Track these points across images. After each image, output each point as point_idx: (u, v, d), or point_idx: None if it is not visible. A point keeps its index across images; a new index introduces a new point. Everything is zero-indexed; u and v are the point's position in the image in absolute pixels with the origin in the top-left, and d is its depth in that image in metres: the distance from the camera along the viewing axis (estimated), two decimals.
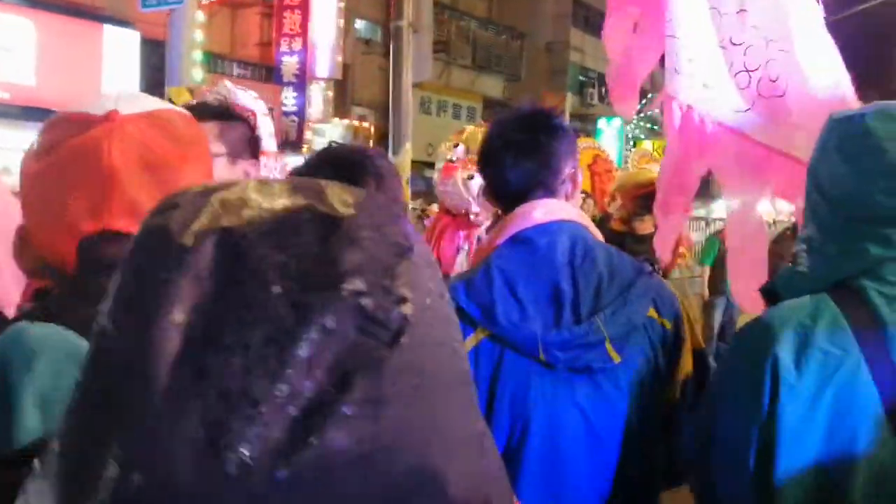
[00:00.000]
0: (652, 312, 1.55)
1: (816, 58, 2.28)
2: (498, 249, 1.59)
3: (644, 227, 6.86)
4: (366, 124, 20.96)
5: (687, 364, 1.60)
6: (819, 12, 2.36)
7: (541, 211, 1.60)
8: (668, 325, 1.57)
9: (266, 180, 0.55)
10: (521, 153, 1.64)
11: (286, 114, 18.20)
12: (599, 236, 1.67)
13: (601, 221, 8.21)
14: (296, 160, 15.11)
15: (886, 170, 1.25)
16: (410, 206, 6.95)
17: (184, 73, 7.36)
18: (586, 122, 28.98)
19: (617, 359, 1.48)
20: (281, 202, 0.52)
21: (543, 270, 1.52)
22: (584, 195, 9.42)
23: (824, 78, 2.26)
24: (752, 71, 2.34)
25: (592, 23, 29.89)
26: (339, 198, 0.55)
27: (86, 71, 14.36)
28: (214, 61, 17.42)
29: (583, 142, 12.25)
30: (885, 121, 1.28)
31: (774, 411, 1.20)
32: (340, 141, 20.28)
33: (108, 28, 14.77)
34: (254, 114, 3.10)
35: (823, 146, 1.36)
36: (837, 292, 1.26)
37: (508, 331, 1.48)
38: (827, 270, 1.30)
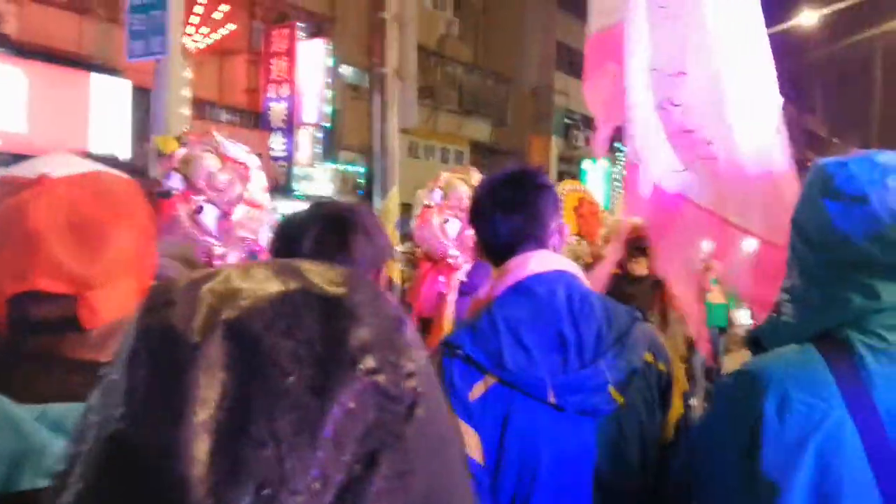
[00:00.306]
0: (648, 357, 1.62)
1: (751, 123, 2.31)
2: (499, 299, 1.64)
3: (639, 268, 6.94)
4: (353, 169, 21.09)
5: (678, 406, 1.66)
6: (763, 74, 2.39)
7: (536, 261, 1.67)
8: (663, 369, 1.64)
9: (243, 266, 0.56)
10: (511, 209, 1.72)
11: (275, 159, 18.35)
12: (588, 284, 1.74)
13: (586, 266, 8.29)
14: (285, 205, 15.18)
15: (869, 216, 1.25)
16: (400, 250, 6.97)
17: (170, 121, 7.41)
18: (571, 164, 29.24)
19: (621, 400, 1.54)
20: (272, 287, 0.52)
21: (546, 317, 1.57)
22: (577, 238, 9.48)
23: (756, 144, 2.29)
24: (689, 132, 2.39)
25: (576, 66, 29.96)
26: (324, 277, 0.55)
27: (75, 119, 14.47)
28: (202, 108, 17.55)
29: (568, 184, 12.32)
30: (869, 168, 1.28)
31: (758, 463, 1.19)
32: (330, 185, 20.38)
33: (95, 76, 14.91)
34: (246, 167, 3.09)
35: (808, 192, 1.36)
36: (822, 343, 1.25)
37: (518, 376, 1.51)
38: (812, 321, 1.30)
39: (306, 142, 18.79)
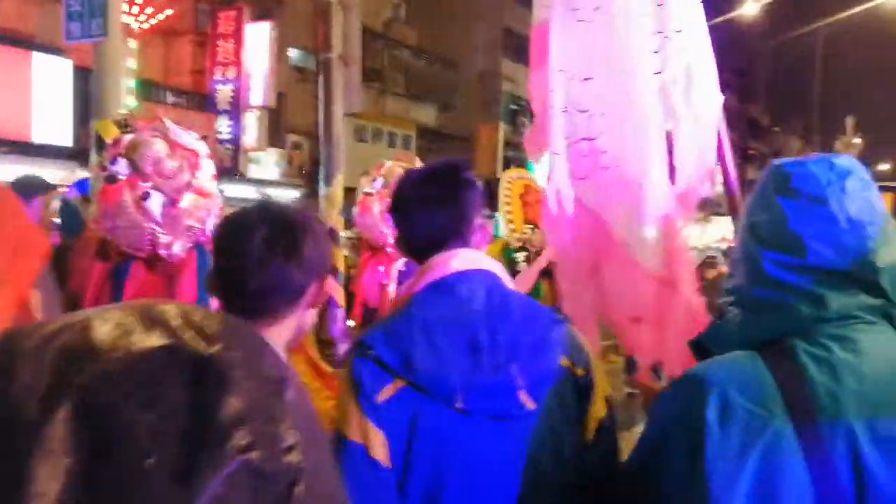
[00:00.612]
0: (565, 361, 1.59)
1: (644, 136, 2.30)
2: (417, 296, 1.60)
3: None
4: (300, 152, 21.06)
5: (599, 409, 1.64)
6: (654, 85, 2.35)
7: (458, 260, 1.63)
8: (581, 373, 1.61)
9: (103, 312, 0.50)
10: (435, 205, 1.67)
11: (221, 142, 18.30)
12: (511, 284, 1.70)
13: (537, 254, 8.30)
14: (232, 188, 15.12)
15: (826, 218, 1.24)
16: (345, 236, 7.05)
17: (111, 104, 7.35)
18: (519, 150, 29.46)
19: (531, 406, 1.51)
20: (135, 343, 0.46)
21: (462, 318, 1.54)
22: (531, 227, 9.59)
23: (644, 161, 2.28)
24: (591, 139, 2.38)
25: (524, 52, 30.22)
26: (197, 328, 0.49)
27: (15, 99, 14.23)
28: (148, 89, 17.37)
29: (514, 172, 12.47)
30: (827, 170, 1.27)
31: (701, 470, 1.18)
32: (277, 168, 20.35)
33: (37, 56, 14.67)
34: (196, 154, 3.02)
35: (763, 191, 1.33)
36: (766, 350, 1.23)
37: (426, 379, 1.48)
38: (758, 328, 1.28)
39: (253, 125, 18.76)
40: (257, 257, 1.45)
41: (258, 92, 18.77)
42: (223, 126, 18.66)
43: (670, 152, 2.33)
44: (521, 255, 9.06)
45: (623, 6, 2.32)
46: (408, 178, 1.79)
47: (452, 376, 1.48)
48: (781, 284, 1.25)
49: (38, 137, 14.71)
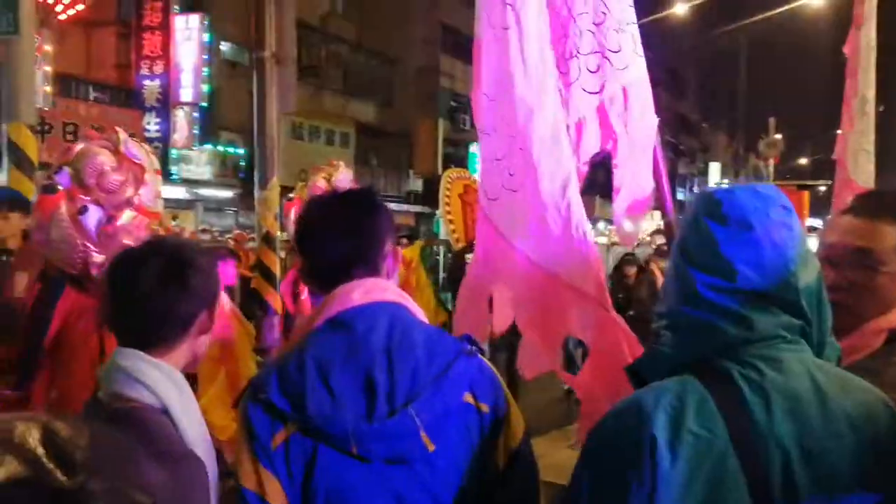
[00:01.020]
0: (468, 397, 1.53)
1: (552, 158, 2.30)
2: (314, 334, 1.54)
3: None
4: (233, 151, 20.38)
5: (511, 439, 1.58)
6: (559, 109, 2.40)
7: (359, 292, 1.56)
8: (485, 409, 1.55)
9: None
10: (342, 230, 1.61)
11: (149, 140, 17.41)
12: (421, 314, 1.64)
13: (462, 251, 8.26)
14: (162, 190, 14.45)
15: (753, 243, 1.29)
16: (282, 238, 6.72)
17: (24, 102, 6.77)
18: (458, 147, 29.34)
19: (431, 447, 1.46)
20: None
21: (359, 357, 1.48)
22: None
23: (556, 182, 2.28)
24: (499, 160, 2.39)
25: (462, 49, 30.32)
26: (62, 451, 0.46)
27: None
28: (67, 84, 16.51)
29: (454, 172, 12.29)
30: (752, 197, 1.32)
31: (652, 495, 1.19)
32: (209, 168, 19.61)
33: None
34: (143, 169, 2.87)
35: (695, 216, 1.36)
36: (701, 372, 1.26)
37: (319, 424, 1.43)
38: (688, 350, 1.31)
39: (183, 122, 18.03)
40: (146, 290, 1.52)
41: (188, 88, 18.06)
42: (151, 123, 17.88)
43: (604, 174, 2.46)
44: (469, 257, 8.91)
45: (527, 24, 2.32)
46: (312, 203, 1.74)
47: (346, 420, 1.43)
48: (713, 306, 1.29)
49: None
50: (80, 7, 16.02)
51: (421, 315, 1.64)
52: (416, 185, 27.89)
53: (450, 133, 28.76)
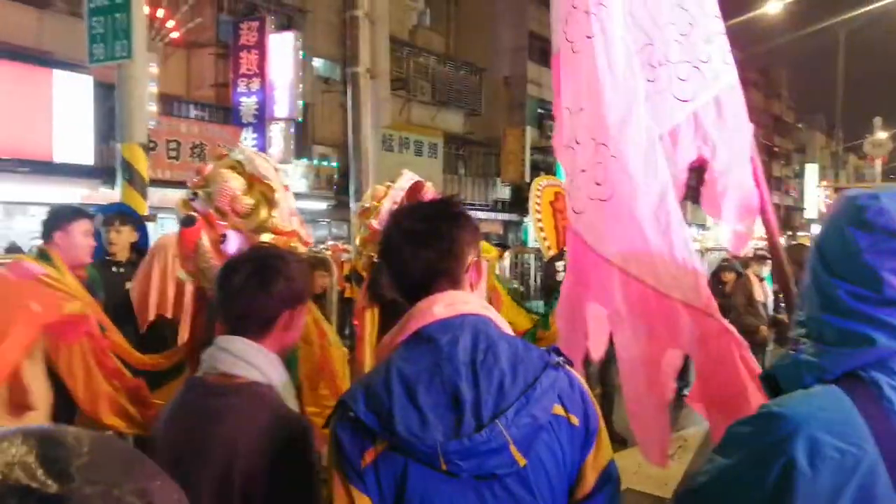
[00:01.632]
0: (558, 409, 1.50)
1: (648, 166, 2.27)
2: (399, 350, 1.55)
3: None
4: (327, 164, 20.80)
5: (601, 458, 1.55)
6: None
7: (442, 305, 1.55)
8: (576, 421, 1.52)
9: None
10: (423, 243, 1.60)
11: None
12: (506, 327, 1.61)
13: (553, 259, 8.19)
14: None
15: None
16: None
17: (136, 121, 7.12)
18: (546, 154, 29.18)
19: (522, 462, 1.44)
20: None
21: (444, 372, 1.47)
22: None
23: (654, 190, 2.25)
24: (585, 171, 2.37)
25: (549, 56, 30.13)
26: (58, 456, 0.48)
27: (36, 117, 14.05)
28: (170, 103, 17.20)
29: (544, 179, 12.26)
30: None
31: None
32: (304, 181, 20.08)
33: (58, 73, 14.49)
34: (272, 189, 2.81)
35: (836, 222, 1.33)
36: (848, 384, 1.20)
37: (408, 442, 1.42)
38: (835, 362, 1.25)
39: (279, 137, 18.50)
40: (236, 290, 1.86)
41: (283, 104, 18.50)
42: (248, 139, 18.41)
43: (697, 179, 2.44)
44: (561, 264, 8.85)
45: (612, 31, 2.31)
46: (396, 215, 1.74)
47: (435, 436, 1.42)
48: (858, 314, 1.24)
49: (59, 156, 14.52)
50: (182, 30, 16.74)
51: (506, 327, 1.62)
52: (504, 193, 27.84)
53: (537, 141, 28.60)
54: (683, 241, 2.25)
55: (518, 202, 26.03)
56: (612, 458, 1.57)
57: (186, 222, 2.76)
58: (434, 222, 1.62)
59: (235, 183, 2.74)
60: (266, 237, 2.73)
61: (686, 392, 9.81)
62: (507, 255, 11.52)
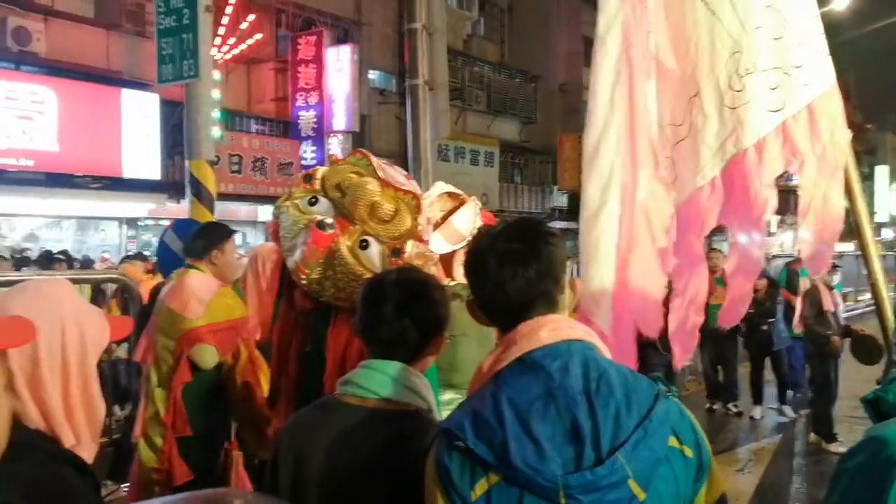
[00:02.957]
0: (673, 441, 1.45)
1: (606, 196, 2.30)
2: (504, 376, 1.48)
3: None
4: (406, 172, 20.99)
5: (714, 490, 1.51)
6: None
7: (547, 329, 1.50)
8: (690, 454, 1.47)
9: None
10: (520, 263, 1.53)
11: (305, 168, 18.31)
12: (607, 353, 1.57)
13: None
14: None
15: None
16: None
17: (202, 137, 7.31)
18: None
19: (642, 497, 1.38)
20: None
21: (559, 402, 1.42)
22: None
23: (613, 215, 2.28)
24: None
25: None
26: None
27: (106, 135, 14.54)
28: (231, 118, 17.60)
29: None
30: None
31: None
32: None
33: (126, 92, 14.98)
34: (413, 195, 2.65)
35: None
36: None
37: (526, 475, 1.37)
38: None
39: (337, 149, 18.76)
40: (389, 317, 1.85)
41: (341, 116, 18.77)
42: (307, 152, 18.72)
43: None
44: None
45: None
46: (483, 235, 1.66)
47: (553, 470, 1.37)
48: None
49: (128, 172, 14.99)
50: (243, 47, 17.12)
51: (608, 352, 1.58)
52: (561, 200, 27.71)
53: None
54: (641, 274, 2.25)
55: (576, 209, 25.70)
56: (724, 492, 1.54)
57: (323, 226, 2.56)
58: (531, 242, 1.57)
59: (374, 188, 2.56)
60: (412, 245, 2.57)
61: (732, 406, 9.73)
62: (567, 262, 11.45)
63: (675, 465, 1.44)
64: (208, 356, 3.59)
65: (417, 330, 1.87)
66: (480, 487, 1.39)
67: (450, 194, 4.14)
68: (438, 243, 3.38)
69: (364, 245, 2.55)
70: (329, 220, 2.57)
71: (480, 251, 1.60)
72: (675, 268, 2.37)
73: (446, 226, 3.84)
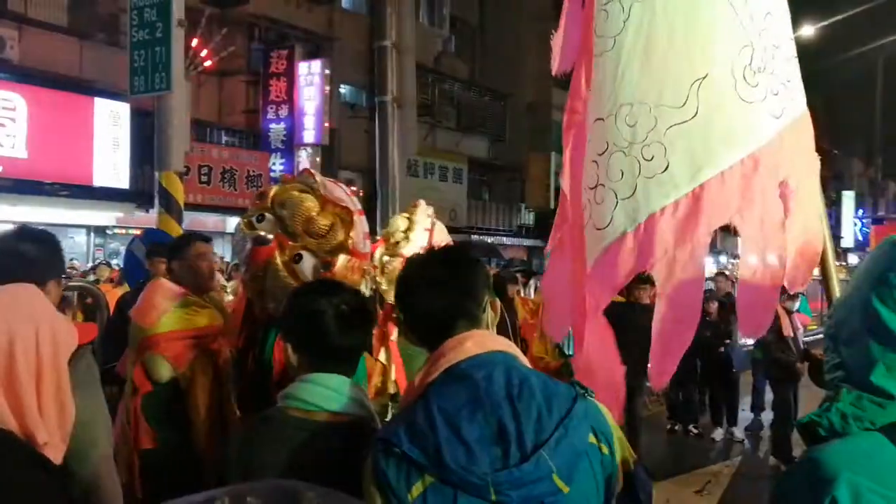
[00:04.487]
0: (592, 438, 1.59)
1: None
2: (434, 387, 1.60)
3: (646, 295, 6.93)
4: (353, 188, 21.10)
5: (626, 466, 1.67)
6: None
7: (471, 342, 1.64)
8: (605, 450, 1.62)
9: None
10: (444, 286, 1.71)
11: (274, 180, 18.44)
12: (527, 363, 1.71)
13: None
14: None
15: None
16: None
17: (173, 148, 7.44)
18: None
19: (566, 489, 1.51)
20: None
21: (485, 407, 1.54)
22: None
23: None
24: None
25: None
26: None
27: (77, 143, 14.56)
28: (202, 129, 17.65)
29: None
30: None
31: None
32: None
33: (98, 101, 15.01)
34: (348, 211, 2.80)
35: (880, 272, 1.27)
36: (892, 432, 1.17)
37: (458, 474, 1.48)
38: (888, 415, 1.21)
39: (306, 162, 18.90)
40: (335, 329, 1.90)
41: (310, 130, 18.93)
42: (276, 164, 18.83)
43: None
44: None
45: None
46: (412, 262, 1.85)
47: (483, 469, 1.48)
48: None
49: (98, 181, 15.01)
50: (215, 59, 17.23)
51: (528, 362, 1.71)
52: (529, 218, 27.95)
53: (561, 166, 28.71)
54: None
55: (543, 228, 26.13)
56: (637, 462, 1.69)
57: (260, 241, 2.76)
58: (453, 267, 1.75)
59: (311, 204, 2.74)
60: (343, 259, 2.74)
61: (692, 427, 9.67)
62: (531, 281, 11.55)
63: (593, 460, 1.58)
64: (159, 367, 3.41)
65: (358, 342, 1.99)
66: (417, 489, 1.49)
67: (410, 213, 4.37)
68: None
69: (297, 259, 2.70)
70: (268, 237, 2.75)
71: (409, 277, 1.79)
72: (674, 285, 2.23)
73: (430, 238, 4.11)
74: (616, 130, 2.19)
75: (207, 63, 16.81)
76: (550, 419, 1.54)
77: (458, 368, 1.60)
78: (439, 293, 1.70)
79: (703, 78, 2.13)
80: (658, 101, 2.16)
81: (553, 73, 2.68)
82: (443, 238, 4.25)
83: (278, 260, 2.72)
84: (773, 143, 2.17)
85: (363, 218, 2.88)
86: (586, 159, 2.31)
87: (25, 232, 2.22)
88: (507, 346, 1.70)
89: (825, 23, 23.66)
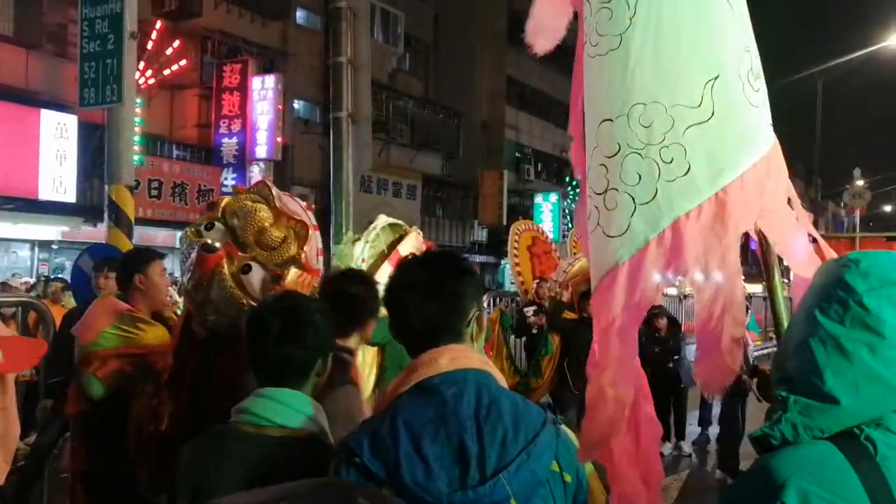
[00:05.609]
0: (555, 466, 1.56)
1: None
2: (403, 399, 1.58)
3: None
4: (305, 203, 21.00)
5: (597, 500, 1.66)
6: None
7: (446, 358, 1.60)
8: (569, 479, 1.59)
9: None
10: (427, 296, 1.63)
11: (226, 195, 18.21)
12: (503, 381, 1.66)
13: (556, 309, 8.19)
14: None
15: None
16: None
17: (123, 161, 7.32)
18: (523, 198, 29.56)
19: None
20: None
21: (450, 426, 1.51)
22: (539, 280, 9.51)
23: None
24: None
25: (527, 100, 30.79)
26: None
27: (22, 156, 14.23)
28: (153, 143, 17.41)
29: (522, 224, 12.43)
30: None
31: None
32: None
33: (45, 113, 14.71)
34: (304, 226, 2.73)
35: (827, 290, 1.30)
36: (842, 441, 1.20)
37: (413, 491, 1.46)
38: (835, 422, 1.23)
39: (258, 177, 18.72)
40: (271, 346, 1.90)
41: (263, 144, 18.79)
42: (228, 179, 18.63)
43: None
44: (530, 309, 9.01)
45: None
46: (402, 266, 1.79)
47: (440, 488, 1.46)
48: (864, 375, 1.22)
49: (44, 194, 14.68)
50: (167, 72, 17.04)
51: (504, 382, 1.66)
52: (481, 235, 28.11)
53: (514, 184, 29.01)
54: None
55: (495, 244, 26.33)
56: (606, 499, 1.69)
57: (208, 248, 2.63)
58: (439, 276, 1.66)
59: (265, 214, 2.68)
60: (294, 273, 2.66)
61: None
62: (484, 297, 11.54)
63: (554, 489, 1.55)
64: (91, 385, 3.29)
65: (301, 354, 1.94)
66: None
67: (391, 226, 4.36)
68: (388, 273, 3.40)
69: (246, 270, 2.62)
70: (216, 244, 2.65)
71: (395, 283, 1.72)
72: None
73: (394, 255, 4.07)
74: (629, 131, 2.05)
75: (160, 76, 16.60)
76: (516, 443, 1.51)
77: (430, 383, 1.57)
78: (423, 304, 1.63)
79: (716, 79, 2.05)
80: (673, 100, 2.04)
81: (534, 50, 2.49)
82: (411, 248, 4.13)
83: (226, 270, 2.63)
84: (774, 150, 2.14)
85: (318, 234, 2.82)
86: (592, 164, 2.16)
87: None
88: (483, 363, 1.65)
89: (765, 46, 24.33)
